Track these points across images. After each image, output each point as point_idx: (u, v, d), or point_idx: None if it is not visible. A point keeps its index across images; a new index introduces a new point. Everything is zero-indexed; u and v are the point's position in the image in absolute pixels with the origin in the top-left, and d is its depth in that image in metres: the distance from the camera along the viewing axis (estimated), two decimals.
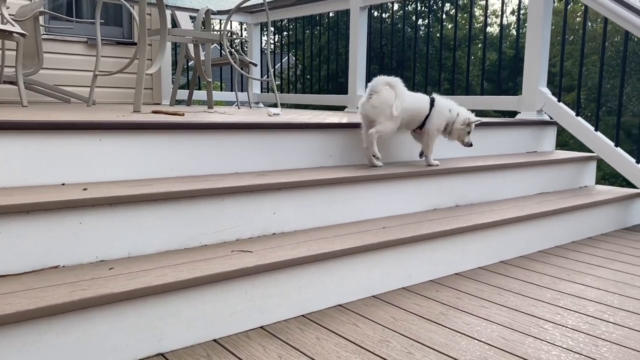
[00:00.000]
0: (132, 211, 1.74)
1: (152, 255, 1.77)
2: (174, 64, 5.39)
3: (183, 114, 2.65)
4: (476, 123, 2.74)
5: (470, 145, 2.75)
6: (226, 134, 2.27)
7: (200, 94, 5.35)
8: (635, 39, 3.15)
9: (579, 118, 3.47)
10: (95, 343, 1.44)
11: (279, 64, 8.86)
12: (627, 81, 13.55)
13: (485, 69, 4.32)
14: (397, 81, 2.57)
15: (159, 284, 1.50)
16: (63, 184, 1.88)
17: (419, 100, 2.70)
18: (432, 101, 2.70)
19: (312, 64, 6.55)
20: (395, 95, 2.52)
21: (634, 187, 3.32)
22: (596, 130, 3.42)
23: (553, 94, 3.62)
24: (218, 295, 1.64)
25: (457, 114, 2.71)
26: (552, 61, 3.98)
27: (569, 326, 1.83)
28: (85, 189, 1.78)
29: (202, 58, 4.18)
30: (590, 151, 3.48)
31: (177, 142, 2.15)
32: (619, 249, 2.80)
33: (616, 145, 3.35)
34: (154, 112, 2.89)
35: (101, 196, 1.68)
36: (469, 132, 2.73)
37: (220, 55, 4.80)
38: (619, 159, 3.32)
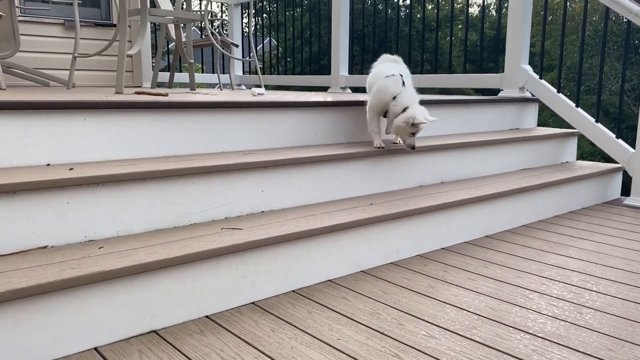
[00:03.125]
0: (119, 190, 1.73)
1: (141, 235, 1.76)
2: (154, 46, 5.30)
3: (167, 94, 2.62)
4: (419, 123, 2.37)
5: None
6: (212, 113, 2.26)
7: (181, 77, 5.28)
8: (614, 17, 3.19)
9: (560, 95, 3.52)
10: (87, 321, 1.43)
11: (260, 46, 8.77)
12: (604, 60, 13.74)
13: (468, 49, 4.33)
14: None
15: (150, 261, 1.50)
16: (48, 165, 1.85)
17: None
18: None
19: (294, 45, 6.50)
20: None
21: (613, 162, 3.39)
22: (577, 106, 3.47)
23: (534, 72, 3.65)
24: (209, 272, 1.65)
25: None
26: (532, 41, 4.00)
27: (554, 295, 1.87)
28: (71, 169, 1.76)
29: (183, 39, 4.12)
30: (571, 127, 3.53)
31: (162, 121, 2.13)
32: (599, 222, 2.86)
33: (597, 121, 3.40)
34: (137, 92, 2.85)
35: (87, 175, 1.66)
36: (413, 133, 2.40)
37: (201, 37, 4.74)
38: (600, 134, 3.38)
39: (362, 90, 5.11)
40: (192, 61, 3.95)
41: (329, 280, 1.98)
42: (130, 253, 1.57)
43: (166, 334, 1.53)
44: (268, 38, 7.71)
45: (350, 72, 5.00)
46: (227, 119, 2.31)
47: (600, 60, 3.62)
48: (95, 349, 1.45)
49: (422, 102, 2.47)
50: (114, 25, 5.02)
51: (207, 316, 1.66)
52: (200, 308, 1.65)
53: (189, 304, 1.62)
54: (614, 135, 3.33)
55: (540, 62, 3.72)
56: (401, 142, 2.51)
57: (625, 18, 3.19)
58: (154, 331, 1.55)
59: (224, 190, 1.97)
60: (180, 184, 1.87)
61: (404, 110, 2.37)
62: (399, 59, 2.69)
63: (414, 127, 2.36)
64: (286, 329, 1.58)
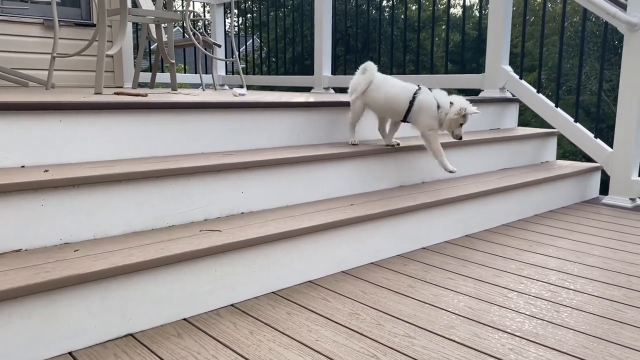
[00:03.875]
0: (96, 192, 1.71)
1: (118, 237, 1.74)
2: (136, 46, 5.26)
3: (146, 95, 2.59)
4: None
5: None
6: (191, 114, 2.24)
7: (163, 77, 5.24)
8: (593, 18, 3.23)
9: (540, 95, 3.55)
10: (62, 326, 1.41)
11: (244, 46, 8.75)
12: (585, 61, 13.89)
13: (450, 50, 4.36)
14: (370, 65, 2.62)
15: (126, 264, 1.48)
16: (23, 166, 1.83)
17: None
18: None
19: (278, 46, 6.49)
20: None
21: (592, 161, 3.43)
22: (556, 106, 3.50)
23: (515, 72, 3.68)
24: (187, 275, 1.64)
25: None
26: (514, 42, 4.05)
27: (532, 294, 1.89)
28: (46, 171, 1.73)
29: (165, 39, 4.09)
30: (551, 127, 3.57)
31: (140, 122, 2.11)
32: (578, 221, 2.89)
33: (575, 121, 3.45)
34: (117, 93, 2.82)
35: (63, 177, 1.64)
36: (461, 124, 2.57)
37: (183, 37, 4.71)
38: (578, 134, 3.42)
39: (346, 90, 5.12)
40: (173, 61, 3.92)
41: (309, 281, 1.98)
42: (107, 256, 1.55)
43: (143, 338, 1.52)
44: (252, 39, 7.69)
45: (334, 72, 5.00)
46: (207, 119, 2.29)
47: (579, 61, 3.67)
48: (70, 353, 1.43)
49: None
50: (95, 25, 4.96)
51: (185, 319, 1.65)
52: (178, 311, 1.63)
53: (167, 306, 1.61)
54: (592, 135, 3.38)
55: (520, 63, 3.75)
56: (449, 134, 2.60)
57: (603, 19, 3.23)
58: (131, 334, 1.53)
59: (203, 192, 1.96)
60: (159, 186, 1.85)
61: (451, 104, 2.49)
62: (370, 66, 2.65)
63: (463, 118, 2.50)
64: (265, 331, 1.57)
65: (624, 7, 3.11)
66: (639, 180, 3.20)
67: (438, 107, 2.51)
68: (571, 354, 1.46)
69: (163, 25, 4.08)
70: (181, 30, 7.00)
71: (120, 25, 3.18)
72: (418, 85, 2.57)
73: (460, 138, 2.57)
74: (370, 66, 2.62)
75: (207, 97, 2.64)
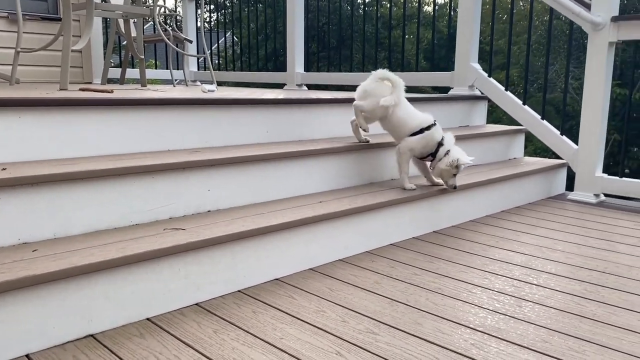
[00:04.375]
0: (56, 191, 1.67)
1: (80, 236, 1.71)
2: (106, 41, 5.16)
3: (112, 91, 2.55)
4: (464, 165, 2.49)
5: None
6: (157, 111, 2.21)
7: (134, 73, 5.16)
8: (563, 17, 3.28)
9: (508, 92, 3.60)
10: (19, 327, 1.38)
11: (218, 42, 8.67)
12: (555, 59, 14.14)
13: (424, 47, 4.40)
14: (400, 83, 2.51)
15: (85, 264, 1.46)
16: None
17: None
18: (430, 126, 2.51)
19: (252, 42, 6.44)
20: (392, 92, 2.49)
21: (560, 158, 3.49)
22: (524, 104, 3.56)
23: (485, 70, 3.73)
24: (149, 274, 1.61)
25: (448, 151, 2.48)
26: (487, 40, 4.09)
27: (496, 289, 1.92)
28: (4, 169, 1.69)
29: (134, 35, 4.03)
30: (519, 124, 3.62)
31: (104, 119, 2.07)
32: (544, 217, 2.95)
33: (542, 118, 3.51)
34: (82, 89, 2.76)
35: (21, 175, 1.60)
36: (450, 173, 2.51)
37: (154, 32, 4.64)
38: (545, 131, 3.48)
39: (319, 87, 5.11)
40: (142, 57, 3.87)
41: (277, 279, 1.97)
42: (66, 255, 1.52)
43: (104, 338, 1.50)
44: (226, 35, 7.61)
45: (307, 69, 4.99)
46: (172, 116, 2.27)
47: (545, 59, 3.73)
48: (27, 356, 1.40)
49: None
50: (61, 19, 4.87)
51: (148, 319, 1.63)
52: (141, 311, 1.61)
53: (129, 306, 1.59)
54: (558, 132, 3.44)
55: (489, 61, 3.80)
56: (443, 182, 2.59)
57: (569, 18, 3.29)
58: (92, 335, 1.51)
59: (168, 190, 1.94)
60: (122, 184, 1.82)
61: (447, 153, 2.46)
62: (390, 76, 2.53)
63: (456, 169, 2.47)
64: (229, 330, 1.56)
65: (588, 6, 3.17)
66: (603, 176, 3.27)
67: (439, 145, 2.49)
68: (531, 348, 1.49)
69: (132, 20, 4.02)
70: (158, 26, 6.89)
71: (87, 20, 3.13)
72: (434, 121, 2.51)
73: (455, 188, 2.55)
74: (399, 84, 2.50)
75: (175, 94, 2.61)
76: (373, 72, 2.56)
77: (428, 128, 2.50)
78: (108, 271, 1.52)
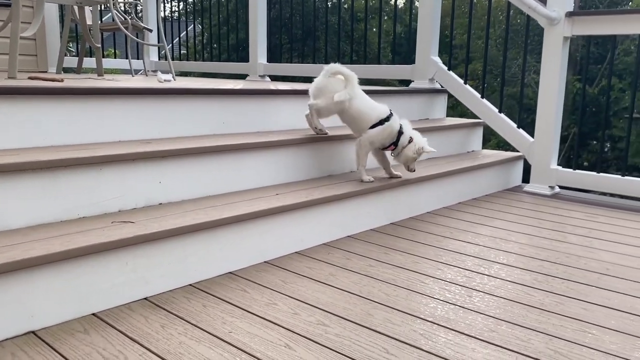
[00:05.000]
0: None
1: (21, 230, 1.65)
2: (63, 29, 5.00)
3: (62, 80, 2.47)
4: (426, 155, 2.64)
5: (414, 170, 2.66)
6: (108, 101, 2.15)
7: (93, 62, 5.01)
8: (525, 13, 3.33)
9: (467, 86, 3.65)
10: None
11: (187, 31, 8.53)
12: (518, 53, 14.39)
13: (390, 41, 4.40)
14: (353, 76, 2.49)
15: (25, 258, 1.41)
16: None
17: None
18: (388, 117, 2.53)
19: (219, 32, 6.35)
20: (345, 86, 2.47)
21: (516, 151, 3.56)
22: (482, 97, 3.60)
23: (446, 63, 3.76)
24: (95, 268, 1.57)
25: (411, 138, 2.54)
26: (453, 34, 4.12)
27: (447, 280, 1.94)
28: None
29: (90, 22, 3.91)
30: (478, 118, 3.67)
31: (52, 109, 2.00)
32: (499, 208, 3.00)
33: (500, 112, 3.56)
34: (31, 77, 2.67)
35: None
36: (414, 159, 2.59)
37: (113, 20, 4.52)
38: (502, 124, 3.54)
39: (285, 79, 5.08)
40: (99, 46, 3.77)
41: (230, 273, 1.95)
42: (6, 250, 1.47)
43: (45, 335, 1.45)
44: (195, 24, 7.49)
45: (271, 60, 4.94)
46: (126, 106, 2.21)
47: (503, 54, 3.79)
48: None
49: None
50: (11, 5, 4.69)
51: (94, 314, 1.58)
52: (86, 306, 1.57)
53: (74, 301, 1.54)
54: (515, 125, 3.50)
55: (449, 54, 3.84)
56: (404, 166, 2.64)
57: (526, 13, 3.34)
58: (32, 332, 1.46)
59: (117, 182, 1.89)
60: (68, 175, 1.76)
61: (410, 140, 2.54)
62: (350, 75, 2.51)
63: (419, 156, 2.57)
64: (177, 324, 1.53)
65: (544, 1, 3.23)
66: (558, 168, 3.35)
67: (399, 133, 2.52)
68: (478, 338, 1.51)
69: (89, 7, 3.90)
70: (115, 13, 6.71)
71: (37, 6, 3.02)
72: (390, 111, 2.55)
73: (414, 171, 2.65)
74: (351, 77, 2.48)
75: (130, 83, 2.55)
76: (325, 66, 2.54)
77: (387, 119, 2.50)
78: (51, 265, 1.47)
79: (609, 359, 1.41)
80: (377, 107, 2.55)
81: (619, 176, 3.18)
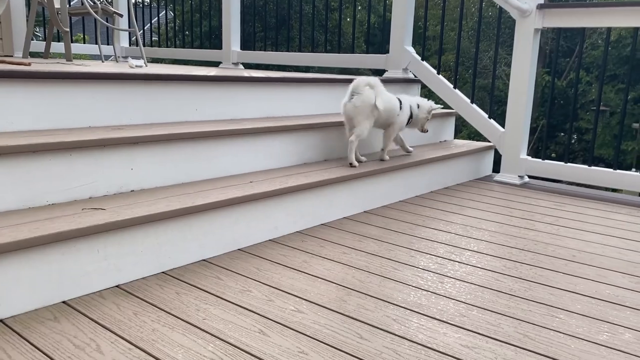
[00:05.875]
0: None
1: None
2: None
3: (30, 64, 2.40)
4: (436, 110, 3.05)
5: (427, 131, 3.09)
6: (77, 86, 2.10)
7: (62, 47, 4.88)
8: (498, 6, 3.37)
9: (440, 76, 3.68)
10: None
11: (156, 18, 8.36)
12: (491, 46, 14.58)
13: (366, 31, 4.41)
14: (376, 81, 2.67)
15: None
16: None
17: (393, 100, 2.83)
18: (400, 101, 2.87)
19: (192, 19, 6.24)
20: (375, 95, 2.63)
21: (488, 141, 3.61)
22: (455, 87, 3.65)
23: (419, 54, 3.78)
24: (65, 255, 1.54)
25: (418, 105, 2.98)
26: (427, 25, 4.15)
27: (420, 267, 1.97)
28: None
29: (58, 6, 3.80)
30: (450, 107, 3.71)
31: (20, 93, 1.94)
32: (470, 197, 3.05)
33: (472, 102, 3.61)
34: None
35: None
36: (428, 120, 3.03)
37: (82, 4, 4.40)
38: (474, 114, 3.59)
39: (259, 67, 5.03)
40: (67, 30, 3.67)
41: (204, 260, 1.94)
42: None
43: (14, 323, 1.42)
44: (166, 10, 7.35)
45: (244, 48, 4.90)
46: (96, 91, 2.16)
47: (476, 45, 3.83)
48: None
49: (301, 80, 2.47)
50: None
51: (64, 302, 1.56)
52: (56, 293, 1.54)
53: (43, 289, 1.51)
54: (486, 116, 3.56)
55: (422, 44, 3.86)
56: (419, 130, 3.09)
57: (498, 5, 3.38)
58: (1, 320, 1.43)
59: (87, 168, 1.85)
60: (37, 161, 1.72)
61: (418, 106, 2.98)
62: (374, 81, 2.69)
63: (430, 115, 3.01)
64: (150, 312, 1.52)
65: None
66: (527, 158, 3.42)
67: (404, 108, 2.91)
68: (449, 322, 1.54)
69: None
70: None
71: None
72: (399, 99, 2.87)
73: (427, 131, 3.09)
74: (376, 82, 2.66)
75: (100, 68, 2.49)
76: (350, 87, 2.64)
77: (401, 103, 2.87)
78: (19, 252, 1.44)
79: (576, 342, 1.46)
80: (392, 96, 2.82)
81: (586, 166, 3.26)
